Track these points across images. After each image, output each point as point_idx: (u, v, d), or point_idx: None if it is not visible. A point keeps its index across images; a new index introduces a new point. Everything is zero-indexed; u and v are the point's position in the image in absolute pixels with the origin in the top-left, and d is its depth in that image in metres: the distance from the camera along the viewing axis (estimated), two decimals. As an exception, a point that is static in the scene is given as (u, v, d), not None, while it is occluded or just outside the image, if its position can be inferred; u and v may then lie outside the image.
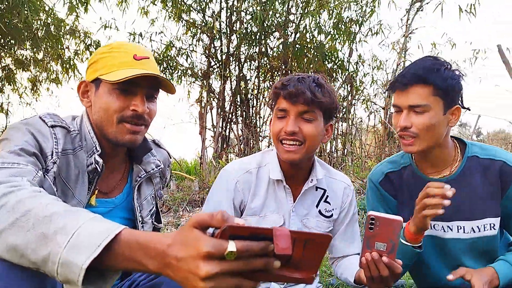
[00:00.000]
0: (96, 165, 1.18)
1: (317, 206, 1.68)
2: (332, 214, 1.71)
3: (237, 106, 6.29)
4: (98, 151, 1.20)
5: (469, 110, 1.57)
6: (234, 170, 1.60)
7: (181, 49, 6.28)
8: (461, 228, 1.54)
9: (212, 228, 0.67)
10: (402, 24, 6.32)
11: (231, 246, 0.63)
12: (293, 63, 6.06)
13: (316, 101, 1.48)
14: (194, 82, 6.44)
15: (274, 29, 5.93)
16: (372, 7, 5.78)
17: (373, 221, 1.26)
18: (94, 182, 1.20)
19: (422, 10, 6.13)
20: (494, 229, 1.52)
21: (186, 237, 0.65)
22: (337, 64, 6.16)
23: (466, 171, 1.54)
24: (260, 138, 6.22)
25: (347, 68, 6.19)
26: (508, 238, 1.65)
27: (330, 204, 1.70)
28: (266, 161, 1.63)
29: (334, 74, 6.27)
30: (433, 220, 1.55)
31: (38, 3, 5.40)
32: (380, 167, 1.70)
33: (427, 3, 6.06)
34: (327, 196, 1.70)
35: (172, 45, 6.19)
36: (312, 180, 1.64)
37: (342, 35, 5.88)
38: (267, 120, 6.28)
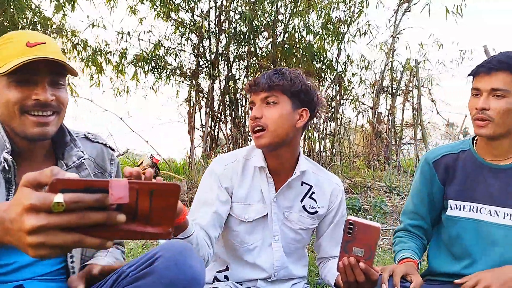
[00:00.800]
0: (5, 162, 1.15)
1: (301, 201, 1.68)
2: (317, 211, 1.70)
3: (226, 106, 6.27)
4: (8, 148, 1.17)
5: None
6: (223, 159, 1.65)
7: (170, 49, 6.24)
8: (508, 215, 1.58)
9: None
10: (390, 24, 6.37)
11: (58, 197, 0.59)
12: (282, 63, 6.05)
13: (273, 85, 1.54)
14: (182, 82, 6.40)
15: (263, 29, 5.92)
16: (361, 8, 5.79)
17: (352, 226, 1.26)
18: (11, 181, 1.16)
19: (409, 11, 6.17)
20: None
21: (16, 197, 0.63)
22: (326, 64, 6.17)
23: None
24: (249, 137, 6.19)
25: (336, 68, 6.21)
26: None
27: (315, 201, 1.70)
28: (253, 154, 1.66)
29: (323, 74, 6.28)
30: (481, 203, 1.61)
31: (25, 1, 5.32)
32: (439, 148, 1.75)
33: (414, 4, 6.10)
34: (313, 192, 1.70)
35: (160, 44, 6.15)
36: (296, 172, 1.64)
37: (330, 35, 5.89)
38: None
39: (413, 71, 6.49)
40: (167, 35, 6.23)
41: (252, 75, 6.33)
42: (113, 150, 1.47)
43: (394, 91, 6.64)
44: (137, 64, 6.14)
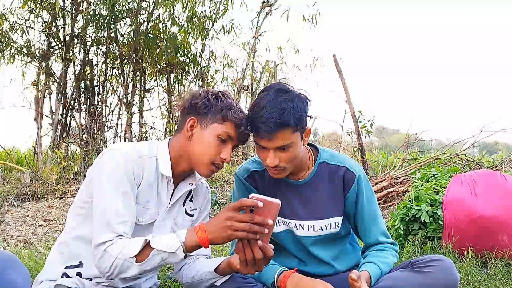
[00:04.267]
0: None
1: (183, 204, 1.69)
2: (194, 214, 1.72)
3: (81, 93, 5.78)
4: None
5: (311, 117, 1.75)
6: (130, 151, 1.51)
7: (16, 24, 5.51)
8: (311, 227, 1.74)
9: None
10: (252, 26, 6.57)
11: None
12: (144, 53, 5.82)
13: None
14: (30, 63, 5.72)
15: (125, 15, 5.60)
16: (225, 5, 5.86)
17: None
18: None
19: (271, 15, 6.44)
20: (338, 227, 1.76)
21: None
22: (190, 58, 6.10)
23: (317, 175, 1.75)
24: (106, 128, 5.82)
25: (200, 63, 6.18)
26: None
27: (193, 203, 1.71)
28: (154, 153, 1.57)
29: (186, 68, 6.21)
30: (290, 219, 1.74)
31: None
32: (246, 165, 1.81)
33: (275, 9, 6.39)
34: (192, 195, 1.72)
35: (4, 18, 5.39)
36: (191, 183, 1.64)
37: (195, 30, 5.86)
38: (114, 109, 5.92)
39: (271, 73, 6.81)
40: (12, 8, 5.49)
41: (111, 61, 5.96)
42: None
43: (254, 90, 6.89)
44: (-28, 38, 5.29)
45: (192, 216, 1.72)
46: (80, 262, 1.56)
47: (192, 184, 1.66)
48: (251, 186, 1.78)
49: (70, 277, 1.55)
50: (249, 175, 1.78)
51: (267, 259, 1.35)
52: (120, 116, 5.89)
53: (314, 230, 1.74)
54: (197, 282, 1.64)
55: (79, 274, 1.56)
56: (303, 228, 1.74)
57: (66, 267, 1.56)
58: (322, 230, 1.74)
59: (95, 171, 1.51)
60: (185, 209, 1.70)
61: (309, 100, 1.63)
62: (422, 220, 2.96)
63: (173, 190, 1.63)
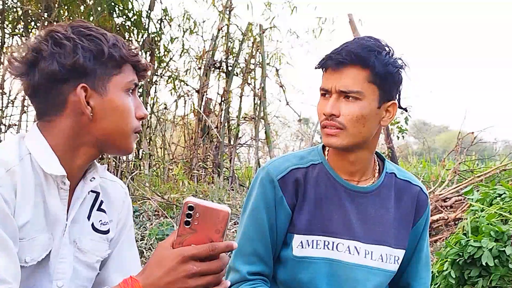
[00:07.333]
0: None
1: (89, 217, 1.63)
2: (109, 228, 1.67)
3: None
4: None
5: (407, 111, 1.95)
6: None
7: None
8: (369, 253, 1.82)
9: None
10: (227, -31, 6.61)
11: None
12: (61, 11, 5.81)
13: None
14: None
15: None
16: None
17: (191, 212, 1.22)
18: None
19: (254, -45, 6.50)
20: (397, 262, 1.85)
21: None
22: (132, 20, 6.15)
23: (384, 187, 1.88)
24: (3, 127, 5.79)
25: (147, 27, 6.21)
26: None
27: (106, 214, 1.67)
28: (26, 151, 1.48)
29: (126, 35, 6.20)
30: (339, 237, 1.81)
31: None
32: (283, 160, 1.90)
33: None
34: (102, 201, 1.67)
35: None
36: (93, 178, 1.58)
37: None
38: (15, 98, 5.88)
39: (255, 42, 6.80)
40: None
41: (11, 24, 5.94)
42: None
43: (230, 68, 6.88)
44: None
45: (105, 233, 1.68)
46: None
47: (94, 179, 1.60)
48: (284, 196, 1.83)
49: None
50: (287, 174, 1.85)
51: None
52: (25, 108, 5.88)
53: (371, 258, 1.82)
54: None
55: None
56: (358, 253, 1.82)
57: None
58: (382, 260, 1.82)
59: None
60: (92, 224, 1.64)
61: (405, 64, 1.81)
62: (484, 263, 2.97)
63: (69, 196, 1.57)
